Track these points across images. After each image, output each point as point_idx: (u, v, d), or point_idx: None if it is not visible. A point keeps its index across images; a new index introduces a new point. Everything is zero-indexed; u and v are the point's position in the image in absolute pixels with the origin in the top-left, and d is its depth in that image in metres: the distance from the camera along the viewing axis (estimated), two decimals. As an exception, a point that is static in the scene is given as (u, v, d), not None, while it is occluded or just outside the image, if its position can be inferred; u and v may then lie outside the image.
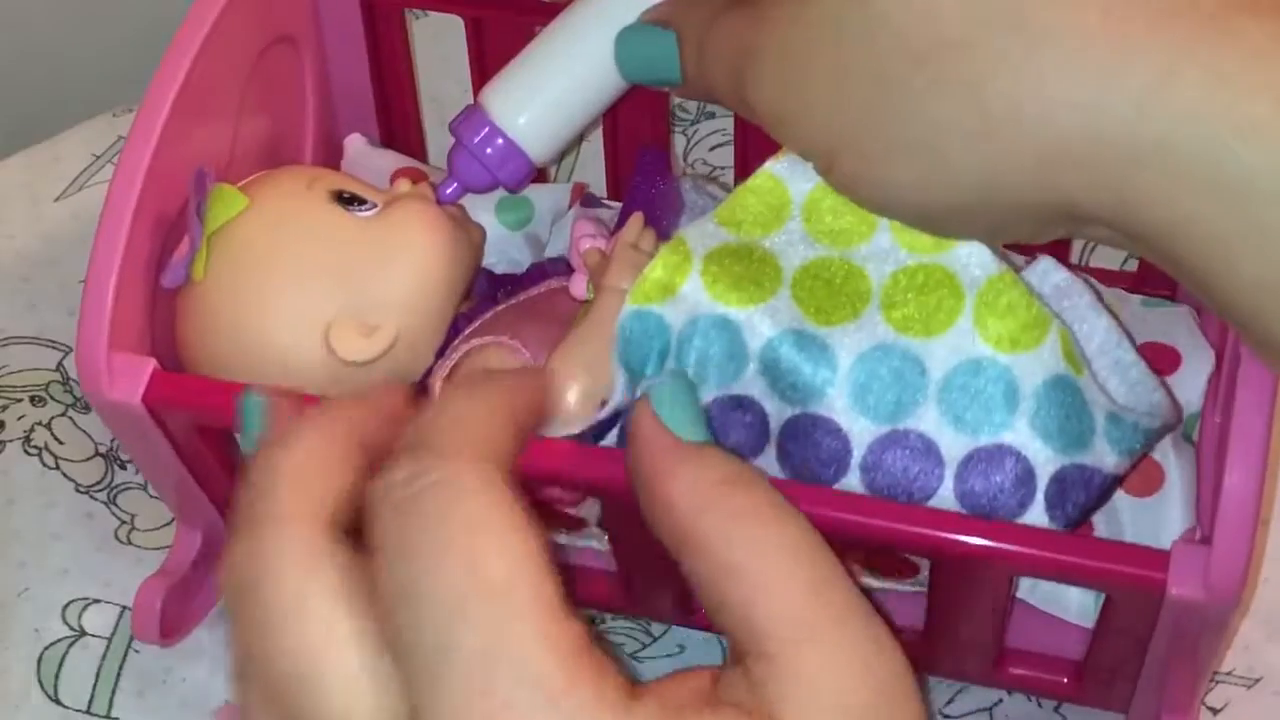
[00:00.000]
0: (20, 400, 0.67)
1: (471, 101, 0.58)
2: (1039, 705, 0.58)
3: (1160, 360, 0.56)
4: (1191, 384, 0.56)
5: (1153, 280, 0.62)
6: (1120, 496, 0.55)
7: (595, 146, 0.66)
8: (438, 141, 0.67)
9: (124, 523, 0.64)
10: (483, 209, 0.60)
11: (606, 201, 0.63)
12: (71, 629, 0.61)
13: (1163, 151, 0.40)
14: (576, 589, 0.51)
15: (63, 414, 0.66)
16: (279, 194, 0.56)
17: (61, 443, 0.65)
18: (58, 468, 0.65)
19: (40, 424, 0.66)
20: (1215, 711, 0.58)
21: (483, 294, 0.57)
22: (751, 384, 0.51)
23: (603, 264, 0.54)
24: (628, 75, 0.54)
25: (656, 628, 0.61)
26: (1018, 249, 0.54)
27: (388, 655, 0.35)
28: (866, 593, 0.39)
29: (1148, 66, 0.40)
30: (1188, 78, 0.39)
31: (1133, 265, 0.66)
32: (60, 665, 0.60)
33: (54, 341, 0.68)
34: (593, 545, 0.57)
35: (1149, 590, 0.47)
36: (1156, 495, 0.55)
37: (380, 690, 0.35)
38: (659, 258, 0.52)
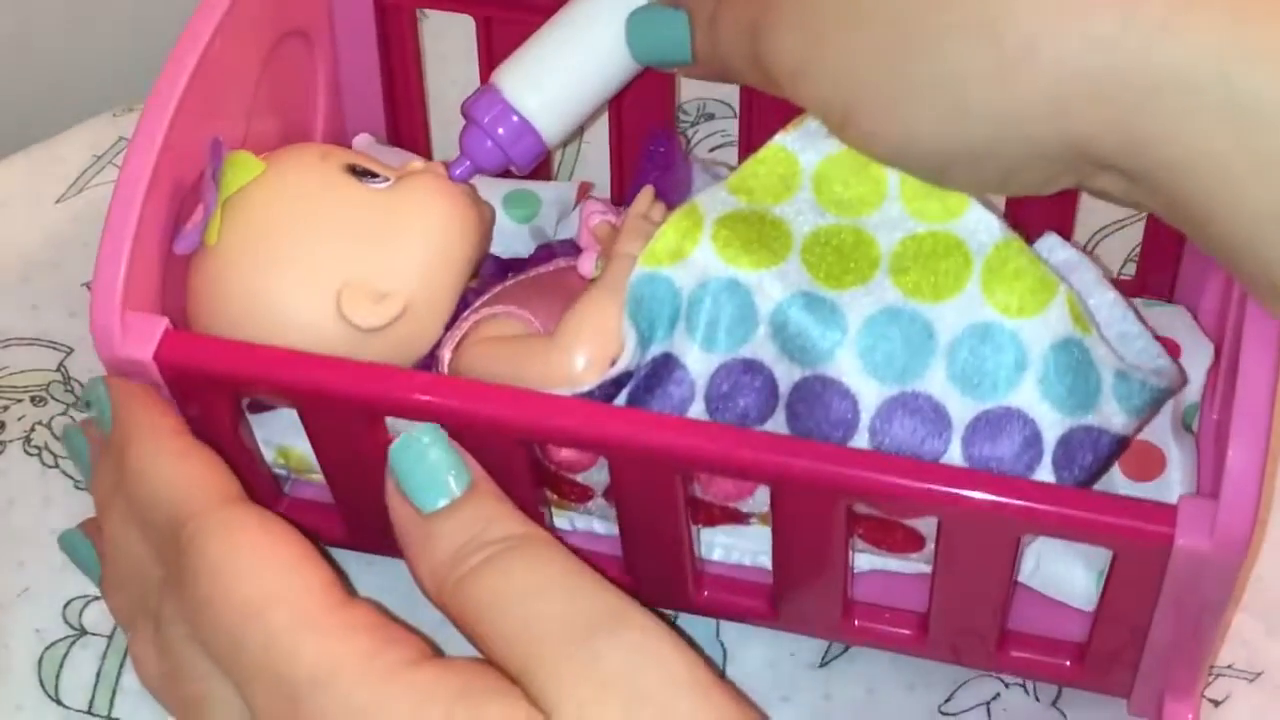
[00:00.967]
0: (21, 400, 0.67)
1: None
2: (1037, 699, 0.58)
3: (1161, 350, 0.57)
4: (1191, 375, 0.56)
5: (1150, 284, 0.62)
6: (1121, 481, 0.55)
7: (600, 145, 0.67)
8: (440, 139, 0.67)
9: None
10: (490, 203, 0.61)
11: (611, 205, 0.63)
12: (72, 628, 0.61)
13: (1176, 83, 0.40)
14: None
15: (63, 414, 0.66)
16: (293, 164, 0.57)
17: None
18: (58, 467, 0.65)
19: (41, 424, 0.66)
20: (1217, 704, 0.58)
21: (490, 274, 0.58)
22: (761, 347, 0.52)
23: (613, 235, 0.54)
24: (639, 56, 0.55)
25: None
26: (1021, 221, 0.54)
27: None
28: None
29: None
30: (1201, 8, 0.40)
31: (1131, 270, 0.66)
32: (61, 665, 0.60)
33: (55, 342, 0.68)
34: (594, 528, 0.57)
35: (1157, 544, 0.47)
36: (1157, 480, 0.56)
37: None
38: (670, 222, 0.52)
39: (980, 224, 0.51)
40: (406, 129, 0.67)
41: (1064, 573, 0.55)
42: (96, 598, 0.61)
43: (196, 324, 0.56)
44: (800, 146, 0.52)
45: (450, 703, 0.43)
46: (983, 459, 0.51)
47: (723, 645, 0.60)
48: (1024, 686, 0.59)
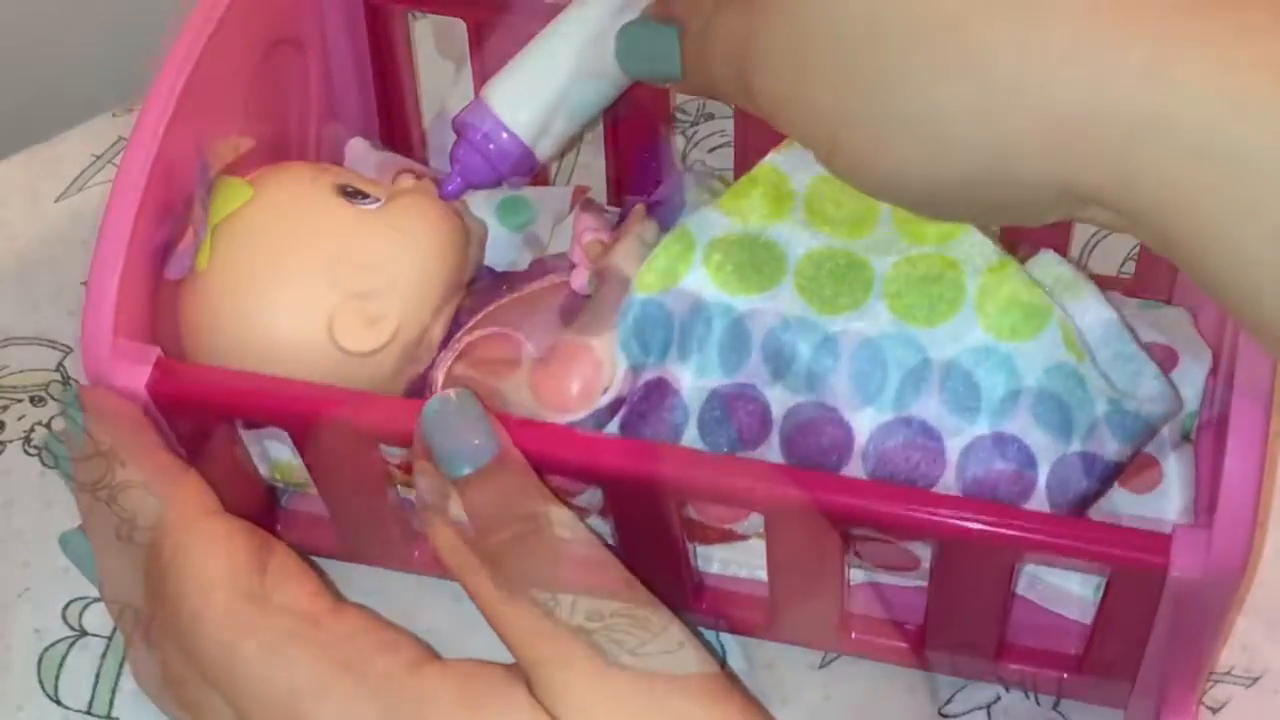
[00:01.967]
0: (20, 400, 0.67)
1: (472, 99, 0.58)
2: (1037, 703, 0.58)
3: (1158, 359, 0.56)
4: (1189, 383, 0.56)
5: (1150, 285, 0.62)
6: (1118, 493, 0.55)
7: (596, 149, 0.66)
8: (439, 140, 0.67)
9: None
10: (484, 211, 0.61)
11: (607, 208, 0.63)
12: (72, 629, 0.61)
13: (1162, 126, 0.40)
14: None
15: (62, 413, 0.66)
16: (283, 186, 0.56)
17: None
18: (57, 467, 0.65)
19: (40, 424, 0.66)
20: (1215, 710, 0.58)
21: (484, 289, 0.57)
22: (755, 373, 0.51)
23: (605, 254, 0.54)
24: (629, 71, 0.55)
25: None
26: (1017, 237, 0.54)
27: None
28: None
29: (1147, 41, 0.40)
30: (1186, 52, 0.40)
31: (1130, 270, 0.66)
32: (60, 665, 0.60)
33: (54, 342, 0.68)
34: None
35: (1151, 572, 0.47)
36: (1154, 492, 0.55)
37: None
38: (663, 246, 0.52)
39: (975, 247, 0.51)
40: (400, 132, 0.67)
41: (1060, 585, 0.55)
42: (96, 599, 0.61)
43: (189, 347, 0.56)
44: (792, 167, 0.52)
45: (451, 708, 0.43)
46: (976, 483, 0.50)
47: (722, 645, 0.60)
48: (1024, 689, 0.59)
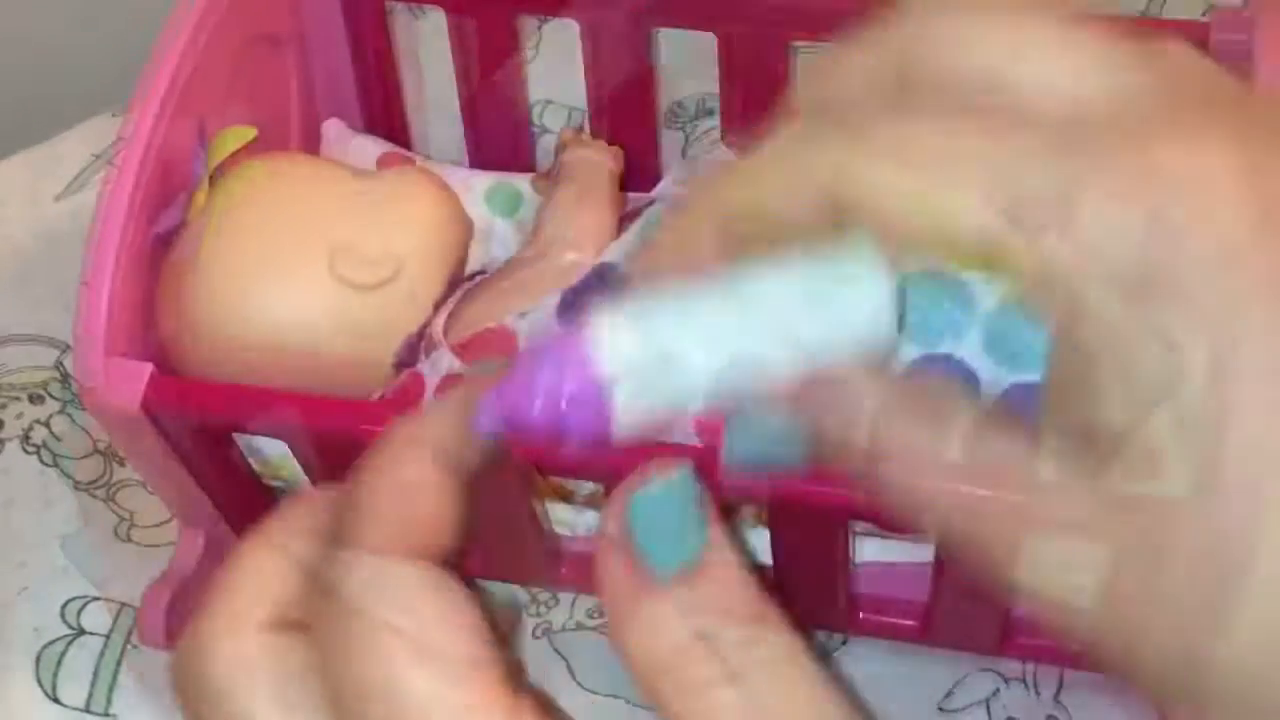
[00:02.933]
0: (19, 399, 0.67)
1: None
2: (1037, 694, 0.58)
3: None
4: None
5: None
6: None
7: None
8: (439, 139, 0.67)
9: (123, 520, 0.63)
10: (473, 199, 0.61)
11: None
12: (70, 627, 0.61)
13: None
14: (585, 578, 0.51)
15: (61, 411, 0.66)
16: (278, 171, 0.57)
17: (60, 440, 0.65)
18: (56, 465, 0.65)
19: (39, 422, 0.66)
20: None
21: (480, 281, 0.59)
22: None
23: (575, 143, 0.56)
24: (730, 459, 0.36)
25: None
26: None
27: None
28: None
29: None
30: None
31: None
32: (59, 664, 0.60)
33: (53, 339, 0.68)
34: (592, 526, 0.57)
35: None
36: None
37: None
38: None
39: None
40: (383, 120, 0.67)
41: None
42: (95, 598, 0.61)
43: (190, 336, 0.56)
44: None
45: None
46: None
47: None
48: (1024, 682, 0.58)
